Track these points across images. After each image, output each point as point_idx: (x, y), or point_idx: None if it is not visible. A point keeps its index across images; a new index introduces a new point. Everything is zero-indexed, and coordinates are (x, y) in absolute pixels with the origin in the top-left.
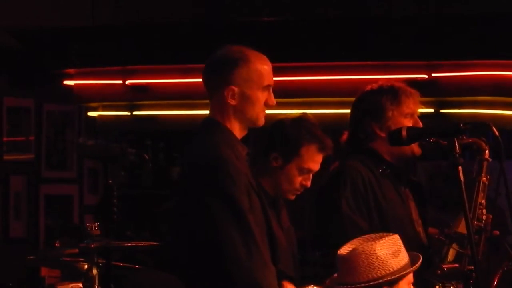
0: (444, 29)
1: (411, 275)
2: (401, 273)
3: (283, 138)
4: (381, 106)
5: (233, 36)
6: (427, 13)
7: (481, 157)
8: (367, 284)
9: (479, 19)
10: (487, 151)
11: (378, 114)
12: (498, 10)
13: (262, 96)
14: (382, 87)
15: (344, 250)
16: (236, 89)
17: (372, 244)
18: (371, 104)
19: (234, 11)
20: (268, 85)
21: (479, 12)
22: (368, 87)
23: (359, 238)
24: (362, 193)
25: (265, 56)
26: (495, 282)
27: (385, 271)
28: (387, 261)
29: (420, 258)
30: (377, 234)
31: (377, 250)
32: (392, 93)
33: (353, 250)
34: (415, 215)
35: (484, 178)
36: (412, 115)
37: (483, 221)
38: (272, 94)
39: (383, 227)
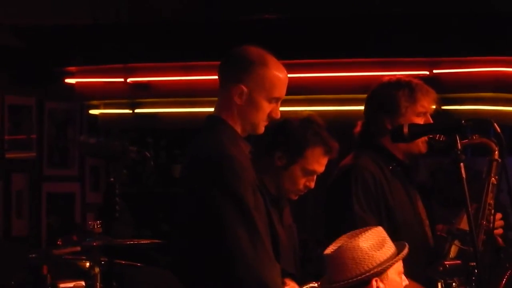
0: (445, 25)
1: (400, 264)
2: (387, 264)
3: (289, 138)
4: (395, 101)
5: (234, 34)
6: (428, 10)
7: (490, 158)
8: (355, 279)
9: (481, 15)
10: (496, 152)
11: (391, 109)
12: (499, 7)
13: (267, 106)
14: (400, 82)
15: (330, 249)
16: (245, 89)
17: (355, 239)
18: (386, 98)
19: (235, 9)
20: (278, 98)
21: (480, 9)
22: (386, 80)
23: (343, 235)
24: (372, 193)
25: (282, 66)
26: (503, 283)
27: (371, 264)
28: (372, 254)
29: (406, 246)
30: (361, 229)
31: (361, 244)
32: (409, 89)
33: (338, 248)
34: (423, 215)
35: (493, 179)
36: (425, 114)
37: (491, 222)
38: (278, 107)
39: (392, 228)
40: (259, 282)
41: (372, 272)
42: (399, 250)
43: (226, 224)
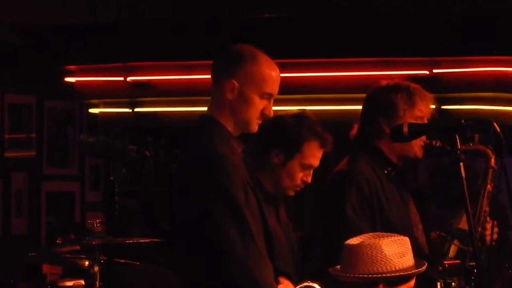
0: (445, 25)
1: (412, 281)
2: (401, 273)
3: (285, 135)
4: (394, 104)
5: (234, 33)
6: (428, 10)
7: (487, 165)
8: (366, 276)
9: (481, 15)
10: (493, 159)
11: (389, 112)
12: (499, 7)
13: (259, 102)
14: (399, 85)
15: (353, 241)
16: (236, 84)
17: (380, 240)
18: (384, 101)
19: (235, 8)
20: (269, 94)
21: (480, 9)
22: (384, 83)
23: (370, 233)
24: (367, 199)
25: (275, 65)
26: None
27: (386, 268)
28: (391, 259)
29: (425, 265)
30: (388, 233)
31: (383, 246)
32: (407, 93)
33: (361, 242)
34: (415, 220)
35: (489, 186)
36: (422, 118)
37: (487, 228)
38: (271, 104)
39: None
40: (250, 280)
41: (384, 275)
42: (417, 265)
43: (217, 222)
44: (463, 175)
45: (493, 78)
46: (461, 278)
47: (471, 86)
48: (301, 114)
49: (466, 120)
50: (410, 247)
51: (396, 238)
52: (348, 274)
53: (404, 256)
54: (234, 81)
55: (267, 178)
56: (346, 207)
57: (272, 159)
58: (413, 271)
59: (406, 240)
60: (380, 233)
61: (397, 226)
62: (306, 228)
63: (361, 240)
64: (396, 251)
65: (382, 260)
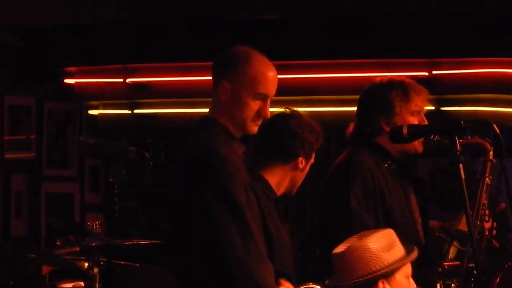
0: (445, 26)
1: (408, 268)
2: (394, 266)
3: (307, 144)
4: (390, 102)
5: (233, 34)
6: (428, 11)
7: (485, 158)
8: (362, 279)
9: (480, 16)
10: (491, 152)
11: (386, 109)
12: (499, 8)
13: (253, 103)
14: (393, 82)
15: (339, 248)
16: (228, 85)
17: (365, 240)
18: (380, 98)
19: (235, 9)
20: (263, 94)
21: (480, 10)
22: (378, 80)
23: (353, 236)
24: (370, 190)
25: (271, 65)
26: (497, 282)
27: (379, 265)
28: (380, 255)
29: (415, 249)
30: (372, 230)
31: (369, 245)
32: (402, 89)
33: (348, 247)
34: (416, 213)
35: (488, 179)
36: (419, 112)
37: (485, 221)
38: (267, 105)
39: (389, 226)
40: (251, 281)
41: (379, 273)
42: (408, 252)
43: (218, 223)
44: (463, 176)
45: (493, 79)
46: (460, 280)
47: (470, 88)
48: (300, 117)
49: (466, 121)
50: (396, 237)
51: (380, 233)
52: (344, 283)
53: (393, 247)
54: (226, 82)
55: (275, 180)
56: (350, 199)
57: (298, 165)
58: (404, 261)
59: (390, 231)
60: (364, 232)
61: (398, 220)
62: (306, 230)
63: (348, 245)
64: (383, 245)
65: (372, 259)
